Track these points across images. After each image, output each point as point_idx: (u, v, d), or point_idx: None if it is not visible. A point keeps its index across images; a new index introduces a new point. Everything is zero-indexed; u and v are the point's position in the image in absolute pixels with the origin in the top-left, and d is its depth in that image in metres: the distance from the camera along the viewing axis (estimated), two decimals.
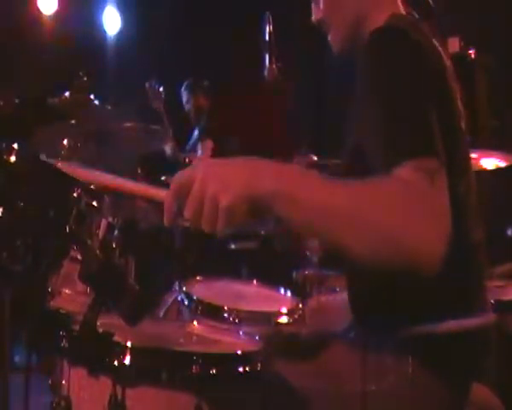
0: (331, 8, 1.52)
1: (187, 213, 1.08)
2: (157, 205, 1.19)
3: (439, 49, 1.41)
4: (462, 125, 1.41)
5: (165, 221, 1.10)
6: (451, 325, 1.33)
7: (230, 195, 1.04)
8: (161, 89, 4.71)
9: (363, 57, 1.35)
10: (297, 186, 1.08)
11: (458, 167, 1.33)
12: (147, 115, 4.51)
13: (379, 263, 1.08)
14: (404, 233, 1.05)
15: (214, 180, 1.06)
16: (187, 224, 1.09)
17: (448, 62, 1.42)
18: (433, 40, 1.41)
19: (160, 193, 1.21)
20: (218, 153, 4.69)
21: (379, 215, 1.06)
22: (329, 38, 1.55)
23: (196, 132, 4.90)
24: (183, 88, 5.02)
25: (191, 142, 4.91)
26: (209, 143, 4.73)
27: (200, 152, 4.71)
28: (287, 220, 1.10)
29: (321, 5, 1.53)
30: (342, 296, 1.61)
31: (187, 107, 5.02)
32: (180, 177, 1.10)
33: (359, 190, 1.09)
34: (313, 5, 1.57)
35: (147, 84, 4.72)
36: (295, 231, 1.14)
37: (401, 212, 1.06)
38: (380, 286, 1.40)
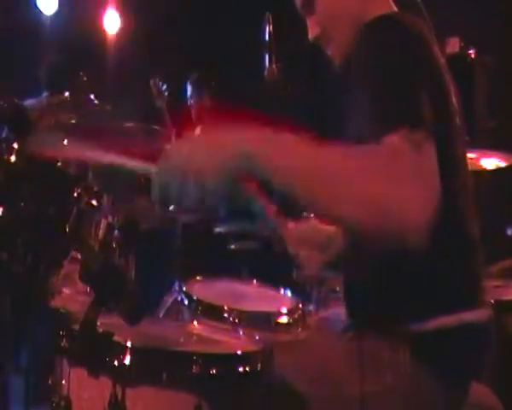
0: (330, 17, 1.51)
1: (174, 194, 1.10)
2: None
3: (435, 45, 1.42)
4: (457, 120, 1.42)
5: (159, 201, 1.14)
6: (450, 322, 1.33)
7: (210, 178, 1.07)
8: (165, 87, 4.69)
9: (357, 44, 1.37)
10: (284, 150, 1.10)
11: (452, 162, 1.33)
12: (147, 115, 4.51)
13: (367, 229, 1.09)
14: (389, 199, 1.06)
15: (197, 157, 1.09)
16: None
17: (442, 60, 1.42)
18: (430, 36, 1.41)
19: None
20: None
21: (362, 182, 1.07)
22: (329, 51, 1.54)
23: (197, 132, 4.86)
24: (189, 81, 4.96)
25: None
26: None
27: None
28: (274, 182, 1.12)
29: (319, 16, 1.52)
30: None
31: (189, 101, 4.97)
32: (164, 160, 1.13)
33: (343, 155, 1.11)
34: (309, 23, 1.56)
35: (151, 82, 4.70)
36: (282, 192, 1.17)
37: (386, 178, 1.07)
38: (377, 284, 1.40)
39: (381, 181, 1.07)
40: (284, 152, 1.10)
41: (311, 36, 1.56)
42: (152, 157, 1.19)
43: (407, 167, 1.09)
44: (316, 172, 1.09)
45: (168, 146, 1.17)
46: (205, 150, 1.10)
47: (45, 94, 3.85)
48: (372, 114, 1.23)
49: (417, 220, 1.05)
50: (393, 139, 1.13)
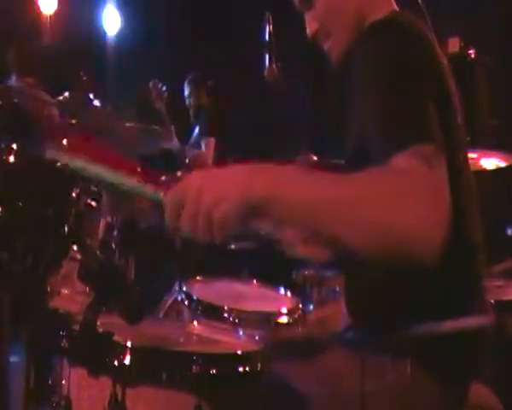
0: (331, 14, 1.50)
1: (184, 226, 1.11)
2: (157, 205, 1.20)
3: (436, 45, 1.42)
4: (459, 120, 1.41)
5: (170, 230, 1.13)
6: (450, 325, 1.33)
7: (223, 206, 1.07)
8: (164, 88, 4.70)
9: (362, 46, 1.36)
10: (289, 187, 1.09)
11: (455, 164, 1.33)
12: (147, 115, 4.51)
13: (379, 256, 1.09)
14: (398, 223, 1.05)
15: (207, 193, 1.09)
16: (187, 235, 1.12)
17: (444, 60, 1.42)
18: (430, 36, 1.41)
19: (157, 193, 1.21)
20: (219, 152, 4.68)
21: (372, 208, 1.06)
22: (327, 47, 1.53)
23: (197, 131, 4.89)
24: (186, 81, 4.99)
25: (192, 140, 4.90)
26: (212, 142, 4.72)
27: (203, 148, 4.72)
28: (282, 222, 1.11)
29: (317, 11, 1.51)
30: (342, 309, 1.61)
31: (187, 101, 4.99)
32: (175, 191, 1.13)
33: (352, 185, 1.10)
34: (306, 19, 1.55)
35: (150, 84, 4.70)
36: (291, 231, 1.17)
37: (395, 202, 1.06)
38: (378, 286, 1.40)
39: (394, 207, 1.06)
40: (295, 189, 1.09)
41: (308, 31, 1.55)
42: (163, 184, 1.19)
43: (420, 188, 1.08)
44: (325, 205, 1.08)
45: (181, 177, 1.16)
46: (219, 186, 1.09)
47: (14, 78, 3.92)
48: (378, 130, 1.21)
49: (433, 242, 1.05)
50: (403, 160, 1.12)
